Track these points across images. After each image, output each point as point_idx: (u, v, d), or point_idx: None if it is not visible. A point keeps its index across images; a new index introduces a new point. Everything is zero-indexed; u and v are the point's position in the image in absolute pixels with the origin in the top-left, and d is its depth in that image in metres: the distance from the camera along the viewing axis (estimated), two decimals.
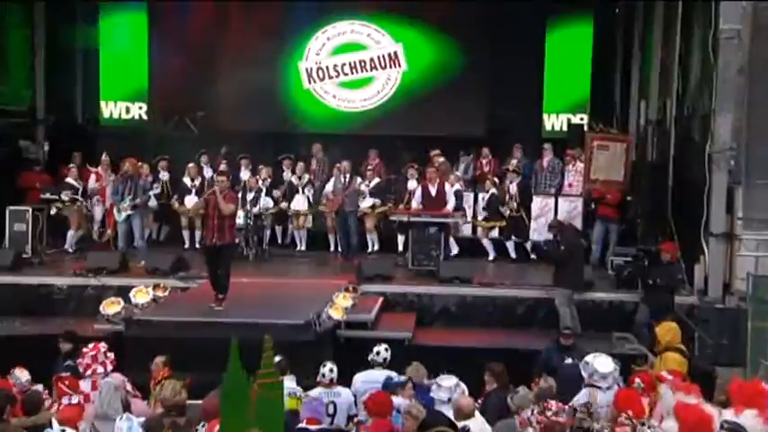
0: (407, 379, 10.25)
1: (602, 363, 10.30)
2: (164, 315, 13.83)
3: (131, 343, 12.38)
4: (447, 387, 9.71)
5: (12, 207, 17.96)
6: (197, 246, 18.67)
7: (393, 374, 10.54)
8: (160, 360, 10.84)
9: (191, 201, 19.26)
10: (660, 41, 20.33)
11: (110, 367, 10.56)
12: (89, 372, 10.55)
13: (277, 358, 10.10)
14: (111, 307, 13.72)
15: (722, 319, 14.99)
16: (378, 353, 10.76)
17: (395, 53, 22.93)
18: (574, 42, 23.79)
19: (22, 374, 10.71)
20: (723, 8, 15.57)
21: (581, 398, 9.63)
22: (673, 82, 19.17)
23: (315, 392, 9.94)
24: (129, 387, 10.58)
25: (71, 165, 19.62)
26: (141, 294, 14.10)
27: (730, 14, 15.52)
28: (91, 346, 10.88)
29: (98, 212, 19.76)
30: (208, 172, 20.18)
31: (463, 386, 9.94)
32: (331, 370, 10.25)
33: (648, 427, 8.02)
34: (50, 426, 8.28)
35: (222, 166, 19.07)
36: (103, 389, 9.53)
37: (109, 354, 10.61)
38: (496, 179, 19.99)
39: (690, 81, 18.17)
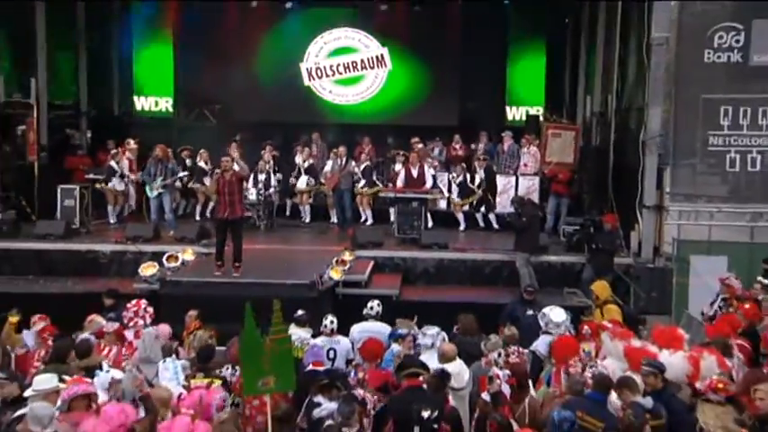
0: (408, 332, 10.43)
1: (556, 314, 10.80)
2: (192, 276, 14.11)
3: (165, 300, 12.50)
4: (431, 335, 10.03)
5: (62, 186, 17.92)
6: (208, 216, 18.99)
7: (401, 330, 10.65)
8: (192, 314, 11.12)
9: (208, 181, 18.69)
10: (602, 47, 20.50)
11: (149, 320, 10.84)
12: (132, 323, 10.82)
13: (300, 312, 10.98)
14: (147, 269, 14.12)
15: (652, 276, 15.38)
16: (371, 307, 11.09)
17: (381, 55, 22.77)
18: (531, 47, 24.25)
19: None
20: (655, 19, 15.86)
21: (539, 343, 10.21)
22: (613, 80, 19.40)
23: (319, 341, 10.18)
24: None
25: (112, 150, 19.38)
26: (172, 259, 14.47)
27: (660, 24, 15.85)
28: (133, 302, 11.19)
29: (131, 190, 19.55)
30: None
31: (444, 334, 10.25)
32: (332, 321, 10.54)
33: (592, 366, 8.56)
34: (100, 368, 8.55)
35: (234, 151, 18.85)
36: (146, 338, 9.79)
37: (148, 309, 10.92)
38: (463, 164, 20.02)
39: (627, 80, 18.43)
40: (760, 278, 13.03)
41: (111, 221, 18.96)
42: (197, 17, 23.03)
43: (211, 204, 19.08)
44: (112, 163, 19.06)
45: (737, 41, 15.97)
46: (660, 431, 7.13)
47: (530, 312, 12.07)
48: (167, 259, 14.78)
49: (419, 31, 23.32)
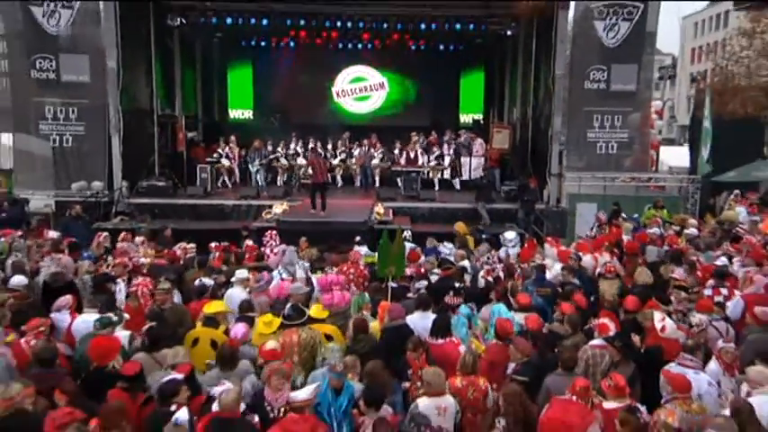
0: (434, 247, 11.10)
1: (509, 234, 11.89)
2: (293, 217, 14.58)
3: (280, 231, 12.48)
4: (449, 247, 11.00)
5: (200, 165, 18.11)
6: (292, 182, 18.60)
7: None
8: (303, 239, 11.44)
9: (300, 160, 19.18)
10: (522, 76, 20.26)
11: (278, 241, 11.66)
12: (268, 244, 11.73)
13: (358, 237, 11.76)
14: (267, 215, 14.94)
15: (556, 215, 16.04)
16: (405, 236, 10.84)
17: (382, 83, 23.28)
18: (474, 76, 23.96)
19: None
20: (556, 61, 16.58)
21: (501, 251, 11.15)
22: (530, 98, 19.34)
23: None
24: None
25: (222, 143, 19.47)
26: (278, 207, 15.25)
27: (559, 65, 16.63)
28: (268, 232, 12.22)
29: (235, 168, 19.51)
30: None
31: (451, 245, 11.21)
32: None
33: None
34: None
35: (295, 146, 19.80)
36: (286, 251, 10.18)
37: (276, 236, 11.97)
38: (435, 148, 20.02)
39: (539, 97, 18.41)
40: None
41: (229, 186, 19.07)
42: (267, 56, 22.90)
43: (285, 175, 19.27)
44: (220, 150, 19.26)
45: (603, 76, 16.86)
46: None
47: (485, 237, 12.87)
48: (275, 207, 15.31)
49: (406, 67, 23.29)
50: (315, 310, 6.72)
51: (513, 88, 21.14)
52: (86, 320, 6.58)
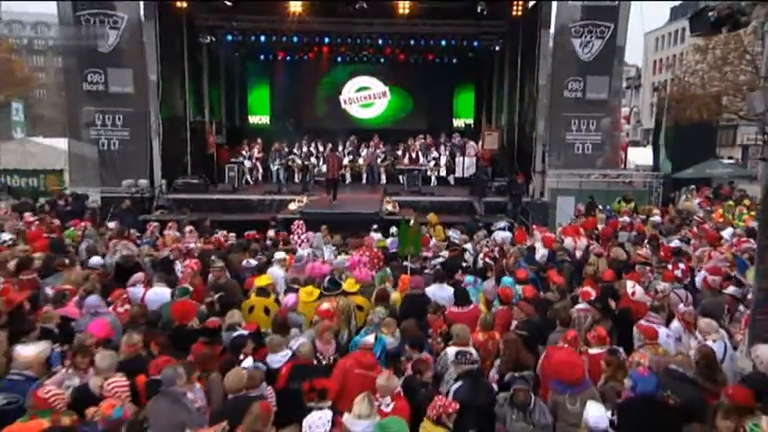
0: None
1: (500, 223, 12.49)
2: (313, 208, 14.95)
3: (305, 221, 12.45)
4: (456, 233, 11.46)
5: (227, 164, 18.20)
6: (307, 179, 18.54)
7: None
8: (324, 228, 11.68)
9: (313, 160, 19.40)
10: (508, 86, 20.14)
11: (304, 229, 11.90)
12: (297, 231, 11.94)
13: (374, 226, 11.97)
14: (291, 205, 15.37)
15: (539, 207, 16.04)
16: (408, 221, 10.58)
17: (385, 92, 23.35)
18: (466, 86, 23.99)
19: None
20: (540, 74, 16.61)
21: (497, 237, 11.21)
22: (515, 105, 19.24)
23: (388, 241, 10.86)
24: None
25: (245, 146, 19.93)
26: (300, 200, 15.78)
27: (542, 76, 16.62)
28: (296, 222, 12.32)
29: (258, 167, 19.80)
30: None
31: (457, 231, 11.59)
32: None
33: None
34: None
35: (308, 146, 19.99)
36: (316, 237, 11.18)
37: (302, 225, 12.10)
38: (433, 149, 20.14)
39: (524, 104, 18.36)
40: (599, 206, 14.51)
41: (252, 184, 19.33)
42: (282, 68, 22.89)
43: (300, 173, 19.26)
44: (244, 152, 19.66)
45: (579, 86, 17.10)
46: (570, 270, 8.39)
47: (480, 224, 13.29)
48: (297, 201, 15.70)
49: (406, 78, 23.21)
50: (348, 284, 7.24)
51: (501, 96, 21.20)
52: (156, 292, 7.15)
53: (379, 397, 4.27)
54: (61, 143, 19.81)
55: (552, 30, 16.79)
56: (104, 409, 4.06)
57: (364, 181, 19.79)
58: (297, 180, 19.18)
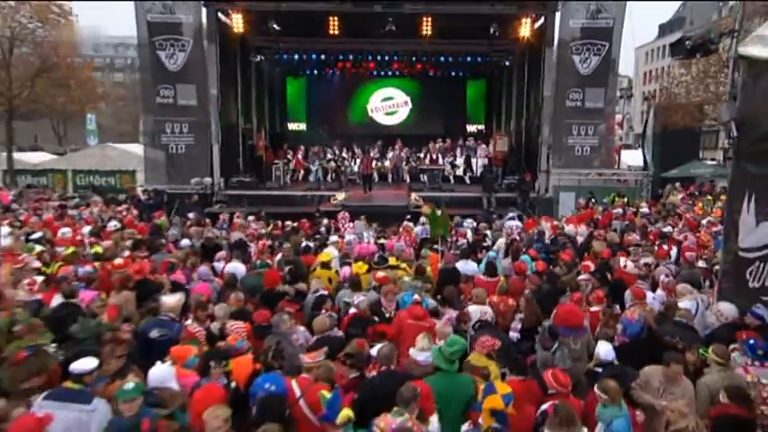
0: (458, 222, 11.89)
1: (511, 216, 12.77)
2: (352, 201, 15.69)
3: (346, 213, 13.23)
4: (469, 221, 12.16)
5: (274, 164, 18.95)
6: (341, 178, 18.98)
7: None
8: (363, 218, 12.31)
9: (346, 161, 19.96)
10: (516, 96, 20.31)
11: (348, 219, 12.73)
12: (341, 221, 12.82)
13: (408, 216, 12.45)
14: (334, 199, 16.06)
15: (545, 202, 16.38)
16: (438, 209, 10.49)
17: (406, 101, 23.61)
18: (477, 94, 24.03)
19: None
20: (545, 84, 16.87)
21: (512, 224, 11.55)
22: (523, 112, 19.48)
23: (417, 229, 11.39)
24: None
25: (287, 149, 20.43)
26: (340, 195, 16.37)
27: (547, 87, 16.88)
28: (341, 213, 13.37)
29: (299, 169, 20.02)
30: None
31: (471, 220, 12.28)
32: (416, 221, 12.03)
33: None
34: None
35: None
36: (357, 224, 11.78)
37: (346, 215, 13.03)
38: (450, 152, 20.46)
39: (531, 112, 18.61)
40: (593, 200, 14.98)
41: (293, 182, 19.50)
42: (318, 81, 23.15)
43: (332, 173, 19.61)
44: (289, 156, 20.20)
45: (579, 97, 17.18)
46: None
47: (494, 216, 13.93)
48: (337, 196, 16.31)
49: (425, 89, 23.32)
50: (392, 260, 8.12)
51: (510, 105, 21.38)
52: (234, 267, 7.97)
53: (437, 340, 4.96)
54: (133, 148, 20.73)
55: (555, 47, 17.05)
56: (230, 341, 5.00)
57: (390, 180, 20.18)
58: (330, 179, 19.64)
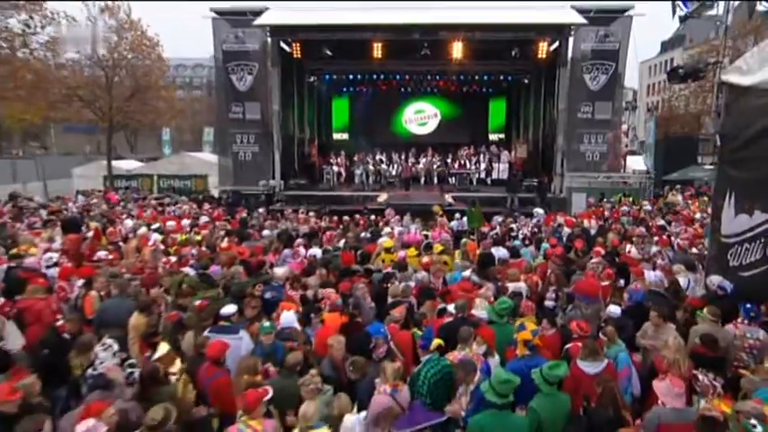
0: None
1: (537, 211, 13.29)
2: (394, 200, 16.13)
3: (392, 209, 13.28)
4: (497, 217, 12.47)
5: (325, 168, 19.70)
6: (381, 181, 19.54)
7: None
8: (409, 213, 12.56)
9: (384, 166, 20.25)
10: (534, 109, 20.36)
11: (394, 214, 12.96)
12: (389, 216, 12.98)
13: (441, 212, 12.97)
14: (378, 198, 16.70)
15: (559, 201, 16.59)
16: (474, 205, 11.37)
17: (436, 113, 23.78)
18: (498, 107, 24.00)
19: None
20: (559, 98, 17.22)
21: (534, 220, 12.37)
22: (540, 123, 19.67)
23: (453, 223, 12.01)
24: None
25: (332, 156, 20.70)
26: (383, 195, 16.87)
27: (561, 101, 17.15)
28: (388, 210, 13.44)
29: (343, 171, 20.50)
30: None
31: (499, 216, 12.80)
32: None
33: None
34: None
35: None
36: (405, 218, 12.17)
37: (393, 212, 13.22)
38: (475, 158, 20.70)
39: (547, 123, 18.80)
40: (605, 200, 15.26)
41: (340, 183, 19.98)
42: (359, 96, 23.32)
43: (373, 176, 19.96)
44: (338, 161, 20.85)
45: (589, 109, 17.52)
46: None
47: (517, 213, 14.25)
48: (379, 195, 16.96)
49: (452, 103, 23.52)
50: (436, 248, 8.91)
51: (528, 116, 21.51)
52: (314, 252, 8.90)
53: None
54: (205, 156, 21.86)
55: (568, 67, 17.31)
56: (328, 302, 6.02)
57: (423, 182, 20.50)
58: (372, 181, 20.15)
